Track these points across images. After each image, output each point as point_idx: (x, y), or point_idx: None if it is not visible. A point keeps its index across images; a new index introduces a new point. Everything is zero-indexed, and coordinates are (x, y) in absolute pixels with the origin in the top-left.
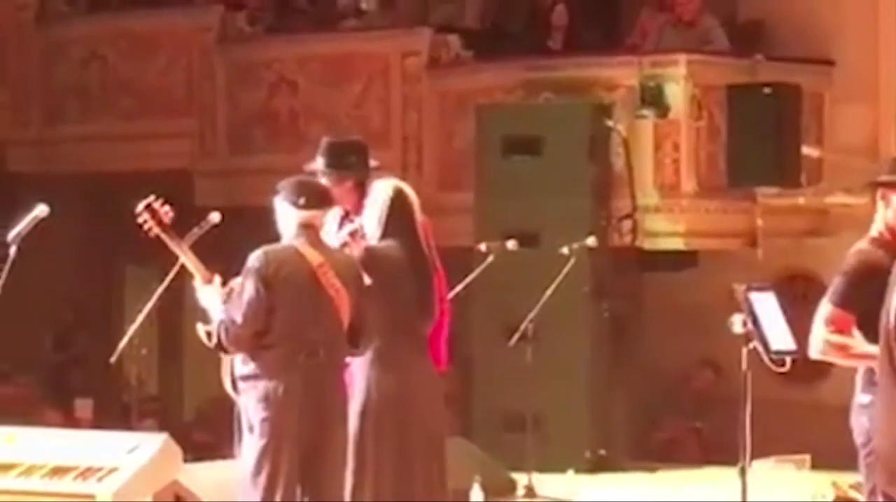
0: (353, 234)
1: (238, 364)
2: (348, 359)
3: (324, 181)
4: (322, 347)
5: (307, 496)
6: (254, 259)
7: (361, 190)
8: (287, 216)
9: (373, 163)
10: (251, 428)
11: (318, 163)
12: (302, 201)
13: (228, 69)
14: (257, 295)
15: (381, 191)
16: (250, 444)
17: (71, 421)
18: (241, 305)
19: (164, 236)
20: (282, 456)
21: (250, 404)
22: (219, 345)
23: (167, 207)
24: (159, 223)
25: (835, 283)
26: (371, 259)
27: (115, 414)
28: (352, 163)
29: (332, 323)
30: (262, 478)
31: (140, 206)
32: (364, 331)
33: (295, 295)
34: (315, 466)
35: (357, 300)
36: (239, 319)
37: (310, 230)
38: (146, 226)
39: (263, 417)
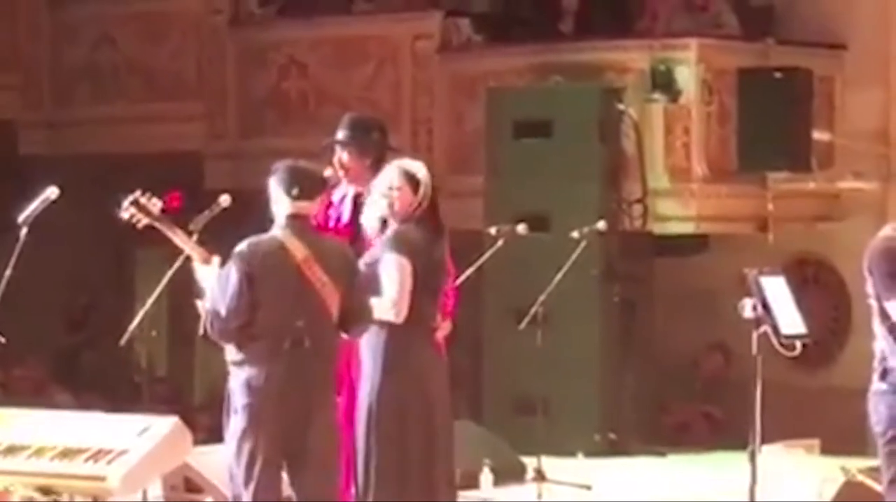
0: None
1: (229, 349)
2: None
3: (343, 155)
4: (307, 336)
5: (293, 476)
6: (238, 252)
7: (376, 169)
8: (279, 202)
9: (392, 144)
10: (235, 411)
11: (340, 135)
12: (295, 191)
13: (239, 51)
14: (240, 290)
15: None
16: (234, 427)
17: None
18: (224, 299)
19: (155, 224)
20: (259, 441)
21: (236, 388)
22: (205, 334)
23: (154, 199)
24: (147, 214)
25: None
26: (395, 240)
27: (125, 396)
28: (375, 140)
29: (318, 314)
30: (243, 459)
31: (125, 203)
32: (358, 317)
33: (278, 290)
34: (299, 449)
35: (348, 288)
36: (223, 313)
37: (299, 220)
38: (134, 220)
39: (245, 403)
